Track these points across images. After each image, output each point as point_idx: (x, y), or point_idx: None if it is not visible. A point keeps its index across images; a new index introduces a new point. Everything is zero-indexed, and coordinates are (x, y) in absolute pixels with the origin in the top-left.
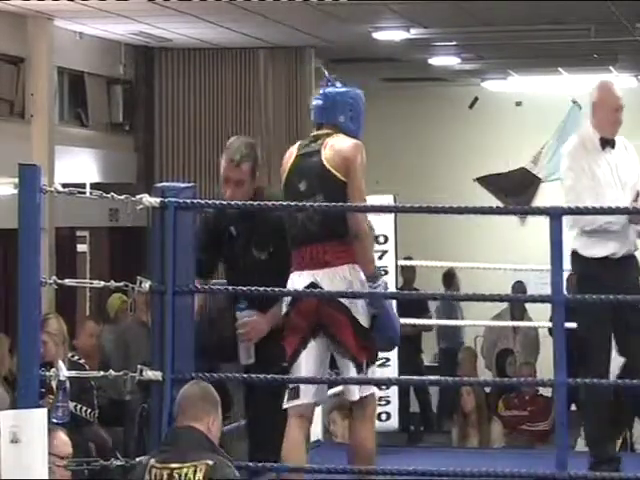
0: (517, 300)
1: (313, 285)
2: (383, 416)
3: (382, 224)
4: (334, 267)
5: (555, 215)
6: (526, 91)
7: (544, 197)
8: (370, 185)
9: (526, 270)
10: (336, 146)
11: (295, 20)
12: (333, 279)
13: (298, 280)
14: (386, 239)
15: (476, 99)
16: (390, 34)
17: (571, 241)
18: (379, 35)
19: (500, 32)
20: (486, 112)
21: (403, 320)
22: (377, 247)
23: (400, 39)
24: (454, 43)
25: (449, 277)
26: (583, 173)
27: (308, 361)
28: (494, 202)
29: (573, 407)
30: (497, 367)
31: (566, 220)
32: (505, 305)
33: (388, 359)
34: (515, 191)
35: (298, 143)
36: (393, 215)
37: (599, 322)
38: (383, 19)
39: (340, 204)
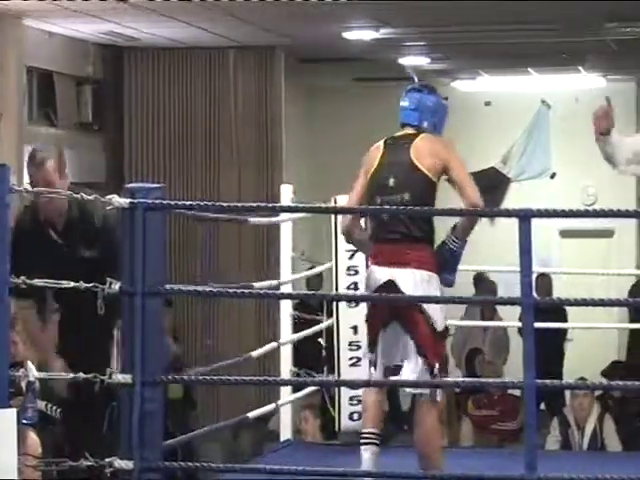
0: (486, 302)
1: (390, 282)
2: (355, 415)
3: None
4: (413, 269)
5: (525, 217)
6: (495, 91)
7: (514, 197)
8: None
9: (495, 271)
10: (426, 144)
11: (265, 19)
12: (411, 279)
13: (377, 274)
14: None
15: (445, 99)
16: (360, 34)
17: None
18: (349, 34)
19: (469, 32)
20: (455, 112)
21: None
22: (348, 246)
23: (370, 38)
24: (423, 43)
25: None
26: None
27: (384, 341)
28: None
29: (542, 407)
30: (466, 366)
31: None
32: None
33: (359, 358)
34: (485, 191)
35: (384, 140)
36: None
37: None
38: (353, 18)
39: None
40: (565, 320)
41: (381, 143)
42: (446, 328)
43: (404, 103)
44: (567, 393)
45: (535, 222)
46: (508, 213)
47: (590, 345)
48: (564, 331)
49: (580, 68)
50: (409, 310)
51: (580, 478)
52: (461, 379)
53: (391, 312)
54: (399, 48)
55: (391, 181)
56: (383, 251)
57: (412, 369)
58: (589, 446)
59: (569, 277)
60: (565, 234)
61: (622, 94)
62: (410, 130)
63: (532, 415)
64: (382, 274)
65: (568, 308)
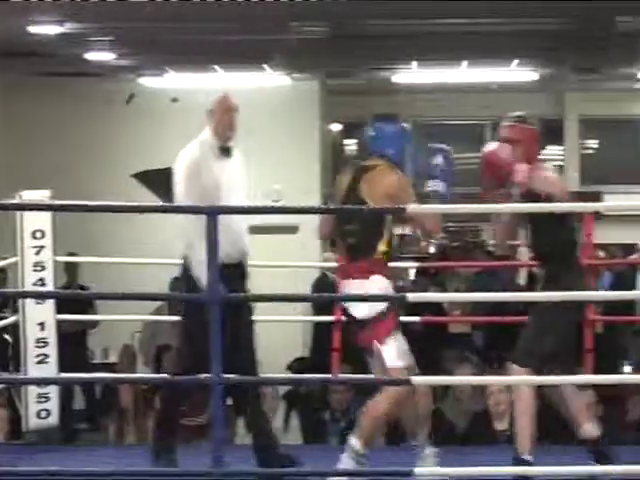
0: (174, 298)
1: None
2: (43, 413)
3: (38, 220)
4: None
5: (211, 214)
6: (182, 87)
7: None
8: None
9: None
10: None
11: None
12: None
13: None
14: (43, 234)
15: (132, 95)
16: (45, 28)
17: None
18: (34, 29)
19: (155, 28)
20: (143, 108)
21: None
22: (34, 242)
23: (55, 33)
24: (109, 38)
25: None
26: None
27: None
28: (153, 198)
29: (229, 401)
30: (155, 363)
31: None
32: None
33: (47, 355)
34: (168, 188)
35: None
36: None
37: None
38: (38, 12)
39: None
40: (252, 315)
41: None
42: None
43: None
44: None
45: None
46: (195, 209)
47: (276, 342)
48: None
49: (265, 66)
50: None
51: (264, 471)
52: (151, 375)
53: None
54: (85, 43)
55: None
56: None
57: None
58: None
59: (258, 273)
60: (253, 230)
61: (306, 93)
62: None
63: (218, 408)
64: None
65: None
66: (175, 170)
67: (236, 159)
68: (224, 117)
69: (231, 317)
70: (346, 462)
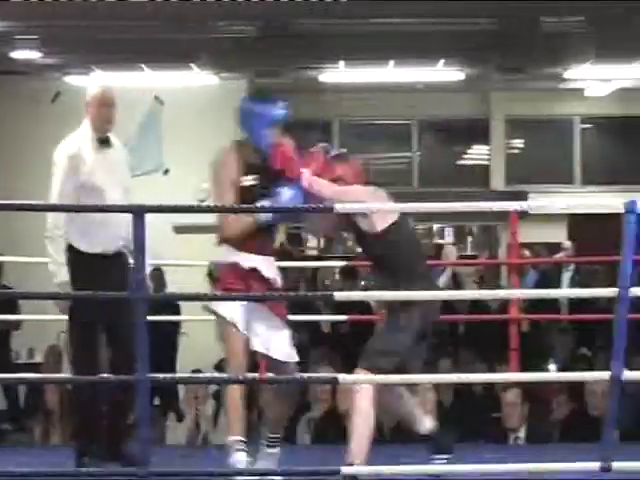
0: (97, 297)
1: None
2: None
3: None
4: None
5: (138, 213)
6: (110, 86)
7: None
8: None
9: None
10: None
11: None
12: None
13: None
14: None
15: (58, 93)
16: None
17: None
18: None
19: (82, 27)
20: (68, 106)
21: None
22: None
23: None
24: (36, 37)
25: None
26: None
27: None
28: None
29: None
30: None
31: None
32: None
33: None
34: None
35: None
36: None
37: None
38: None
39: None
40: (178, 314)
41: None
42: None
43: None
44: (181, 387)
45: (149, 218)
46: (122, 208)
47: (205, 340)
48: (177, 325)
49: (192, 65)
50: None
51: (189, 471)
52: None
53: None
54: (10, 42)
55: None
56: None
57: None
58: (204, 440)
59: (184, 273)
60: (179, 230)
61: (233, 92)
62: None
63: (145, 409)
64: None
65: (182, 302)
66: (53, 162)
67: (116, 149)
68: (100, 111)
69: (113, 314)
70: (238, 459)
